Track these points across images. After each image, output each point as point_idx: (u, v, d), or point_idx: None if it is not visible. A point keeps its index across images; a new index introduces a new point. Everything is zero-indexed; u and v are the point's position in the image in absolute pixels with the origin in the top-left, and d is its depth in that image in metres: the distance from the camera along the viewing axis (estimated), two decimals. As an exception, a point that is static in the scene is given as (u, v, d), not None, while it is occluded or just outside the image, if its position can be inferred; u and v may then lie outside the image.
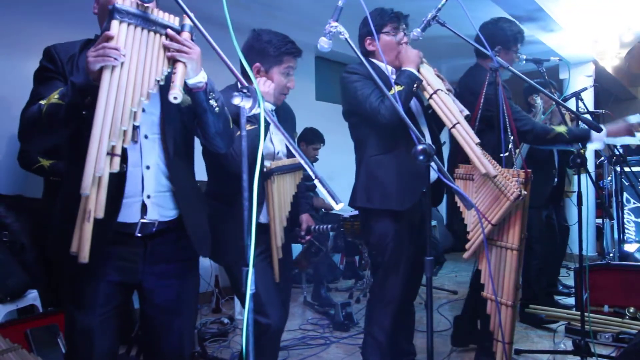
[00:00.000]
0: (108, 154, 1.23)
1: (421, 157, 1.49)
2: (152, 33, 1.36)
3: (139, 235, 1.46)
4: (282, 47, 2.01)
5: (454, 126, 2.06)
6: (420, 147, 1.49)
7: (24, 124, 1.40)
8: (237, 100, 1.18)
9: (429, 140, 2.31)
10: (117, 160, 1.26)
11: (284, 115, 2.21)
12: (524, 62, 2.90)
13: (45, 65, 1.47)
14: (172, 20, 1.41)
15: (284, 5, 4.54)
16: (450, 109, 2.08)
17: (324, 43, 1.77)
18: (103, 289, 1.44)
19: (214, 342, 3.28)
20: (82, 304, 1.44)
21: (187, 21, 1.40)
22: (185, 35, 1.39)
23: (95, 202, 1.22)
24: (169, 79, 1.34)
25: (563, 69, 5.67)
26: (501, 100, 2.12)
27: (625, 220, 4.66)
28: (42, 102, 1.35)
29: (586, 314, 2.59)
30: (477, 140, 2.02)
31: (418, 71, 2.18)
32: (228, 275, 2.12)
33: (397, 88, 2.07)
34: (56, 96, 1.33)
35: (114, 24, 1.30)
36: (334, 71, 6.01)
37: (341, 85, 2.33)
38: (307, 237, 2.29)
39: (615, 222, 4.55)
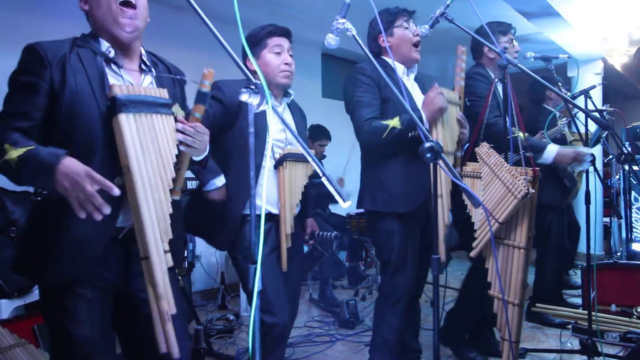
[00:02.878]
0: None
1: (428, 155, 1.46)
2: (158, 116, 1.32)
3: (120, 238, 1.42)
4: (262, 31, 2.09)
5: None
6: (427, 144, 1.46)
7: None
8: (244, 97, 1.17)
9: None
10: (169, 256, 1.30)
11: (296, 110, 2.24)
12: (532, 59, 2.87)
13: (26, 68, 1.26)
14: (162, 94, 1.36)
15: (291, 2, 4.53)
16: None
17: (331, 40, 1.75)
18: (94, 296, 1.37)
19: (220, 339, 3.28)
20: (76, 315, 1.33)
21: (204, 88, 1.38)
22: (199, 111, 1.39)
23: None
24: None
25: (572, 67, 5.63)
26: (510, 98, 2.11)
27: (633, 219, 4.61)
28: (7, 157, 1.17)
29: (593, 313, 2.57)
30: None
31: (430, 124, 2.17)
32: (235, 265, 2.08)
33: (397, 122, 2.10)
34: (23, 151, 1.17)
35: (122, 118, 1.22)
36: (341, 68, 5.99)
37: (346, 81, 2.33)
38: (311, 242, 2.30)
39: (623, 221, 4.51)
